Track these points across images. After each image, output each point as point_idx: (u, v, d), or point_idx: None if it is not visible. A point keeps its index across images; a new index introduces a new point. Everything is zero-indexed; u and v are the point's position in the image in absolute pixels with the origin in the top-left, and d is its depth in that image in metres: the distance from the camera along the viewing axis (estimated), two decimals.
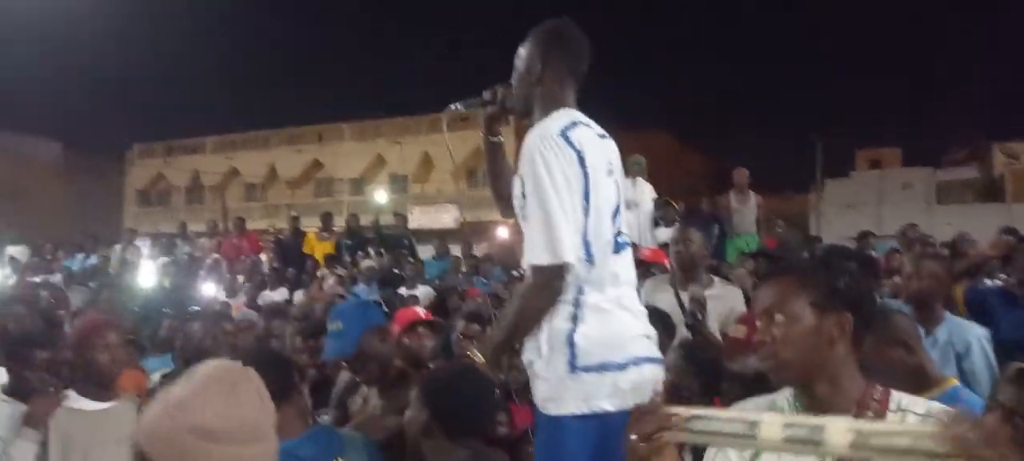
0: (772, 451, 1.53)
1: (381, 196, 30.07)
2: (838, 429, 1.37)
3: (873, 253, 7.88)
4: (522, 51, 2.38)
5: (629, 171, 8.37)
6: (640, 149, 12.72)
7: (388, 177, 32.63)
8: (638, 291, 2.44)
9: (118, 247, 12.22)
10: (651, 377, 2.19)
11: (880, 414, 1.59)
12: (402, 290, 7.85)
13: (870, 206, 20.76)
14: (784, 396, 1.73)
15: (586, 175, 2.16)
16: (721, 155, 27.10)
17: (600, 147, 2.28)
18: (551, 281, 2.14)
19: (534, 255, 2.13)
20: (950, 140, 25.11)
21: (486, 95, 2.50)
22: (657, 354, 2.29)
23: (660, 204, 8.83)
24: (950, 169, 23.48)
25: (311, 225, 12.77)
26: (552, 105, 2.31)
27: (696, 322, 3.59)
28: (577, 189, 2.15)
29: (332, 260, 9.95)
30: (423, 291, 7.97)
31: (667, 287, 3.92)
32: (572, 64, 2.35)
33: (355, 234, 11.42)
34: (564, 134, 2.19)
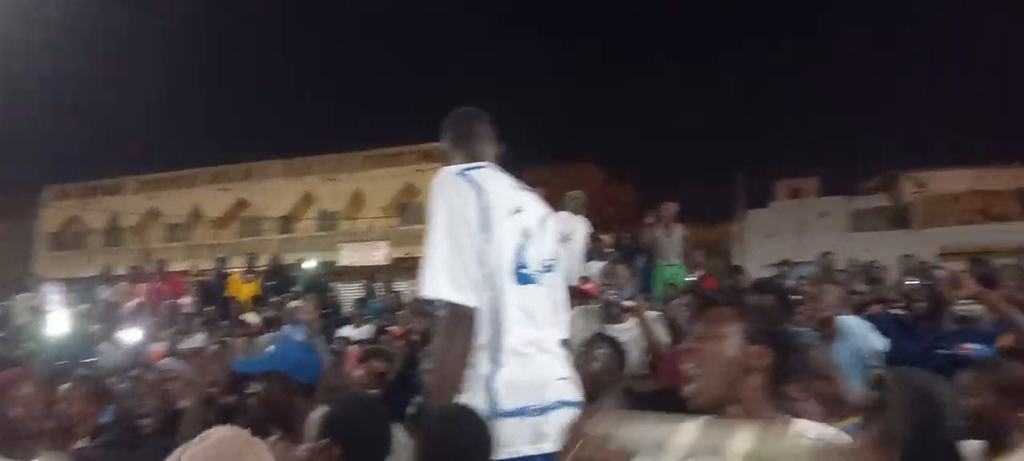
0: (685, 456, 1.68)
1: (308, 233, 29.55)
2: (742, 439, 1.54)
3: (790, 280, 8.21)
4: (442, 135, 2.55)
5: (568, 205, 8.58)
6: (571, 182, 12.88)
7: (317, 214, 32.09)
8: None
9: (24, 295, 11.59)
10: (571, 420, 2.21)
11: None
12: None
13: (790, 234, 21.49)
14: (698, 421, 1.80)
15: (484, 209, 2.18)
16: (650, 187, 27.77)
17: (505, 188, 2.33)
18: (453, 318, 2.15)
19: (429, 288, 2.15)
20: (864, 170, 26.35)
21: None
22: (576, 397, 2.30)
23: (592, 238, 9.01)
24: (864, 197, 24.61)
25: (238, 266, 12.42)
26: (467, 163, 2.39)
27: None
28: (473, 223, 2.17)
29: (257, 301, 9.68)
30: (364, 330, 7.88)
31: (594, 319, 3.98)
32: (477, 134, 2.49)
33: (278, 275, 11.17)
34: (463, 173, 2.24)
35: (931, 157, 24.45)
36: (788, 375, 1.81)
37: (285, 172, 32.75)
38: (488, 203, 2.19)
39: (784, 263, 9.61)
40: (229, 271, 11.56)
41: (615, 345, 3.47)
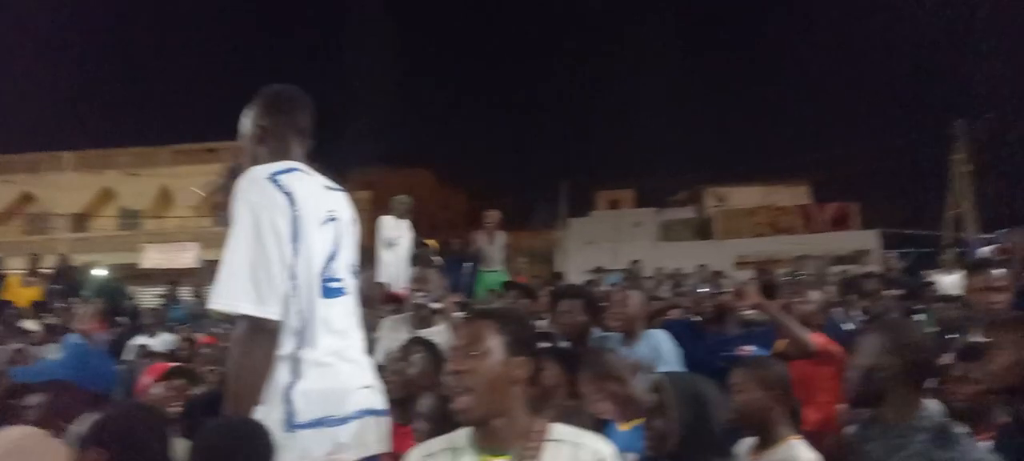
0: None
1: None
2: None
3: (603, 286, 8.66)
4: (246, 117, 2.34)
5: (394, 210, 8.50)
6: (403, 186, 12.73)
7: (118, 212, 29.39)
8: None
9: None
10: (374, 429, 2.17)
11: (541, 445, 1.79)
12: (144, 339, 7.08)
13: (607, 242, 22.69)
14: (462, 434, 1.84)
15: (295, 218, 2.09)
16: (480, 194, 28.18)
17: (317, 193, 2.23)
18: (252, 330, 2.03)
19: (225, 301, 2.02)
20: (674, 184, 28.42)
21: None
22: (379, 406, 2.26)
23: (418, 243, 9.00)
24: (673, 209, 26.57)
25: (18, 267, 11.07)
26: (275, 159, 2.24)
27: None
28: (283, 232, 2.07)
29: (39, 307, 8.67)
30: (164, 339, 7.25)
31: (404, 326, 3.94)
32: (293, 121, 2.33)
33: (65, 277, 10.09)
34: (273, 177, 2.12)
35: (730, 174, 26.80)
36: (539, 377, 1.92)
37: (79, 165, 29.68)
38: (300, 212, 2.09)
39: (598, 270, 10.12)
40: (5, 272, 10.26)
41: (431, 348, 3.46)
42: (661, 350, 3.91)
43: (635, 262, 9.58)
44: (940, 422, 2.27)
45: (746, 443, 2.80)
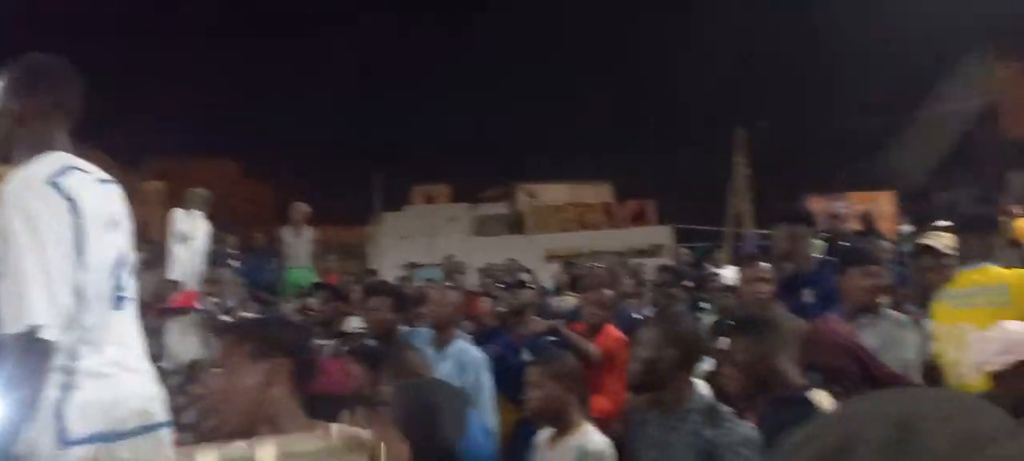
0: None
1: None
2: (266, 450, 1.59)
3: (417, 282, 8.65)
4: None
5: (189, 202, 7.93)
6: (201, 176, 11.90)
7: None
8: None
9: None
10: (156, 444, 2.02)
11: None
12: None
13: (423, 237, 22.69)
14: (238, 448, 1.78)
15: (78, 226, 1.90)
16: (289, 186, 27.05)
17: (100, 195, 2.04)
18: (28, 351, 1.82)
19: (11, 322, 1.81)
20: (487, 179, 29.02)
21: None
22: (163, 418, 2.12)
23: (216, 239, 8.49)
24: (487, 205, 27.11)
25: None
26: (38, 147, 2.01)
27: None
28: (66, 242, 1.87)
29: None
30: None
31: (192, 331, 3.69)
32: (58, 100, 2.08)
33: None
34: (53, 181, 1.90)
35: (542, 171, 27.87)
36: (311, 372, 1.88)
37: None
38: (83, 219, 1.90)
39: (411, 265, 10.09)
40: None
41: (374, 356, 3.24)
42: (467, 378, 3.94)
43: (449, 257, 9.66)
44: (710, 404, 2.51)
45: (543, 434, 2.94)
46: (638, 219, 25.26)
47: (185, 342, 3.52)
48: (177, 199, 8.49)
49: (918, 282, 4.41)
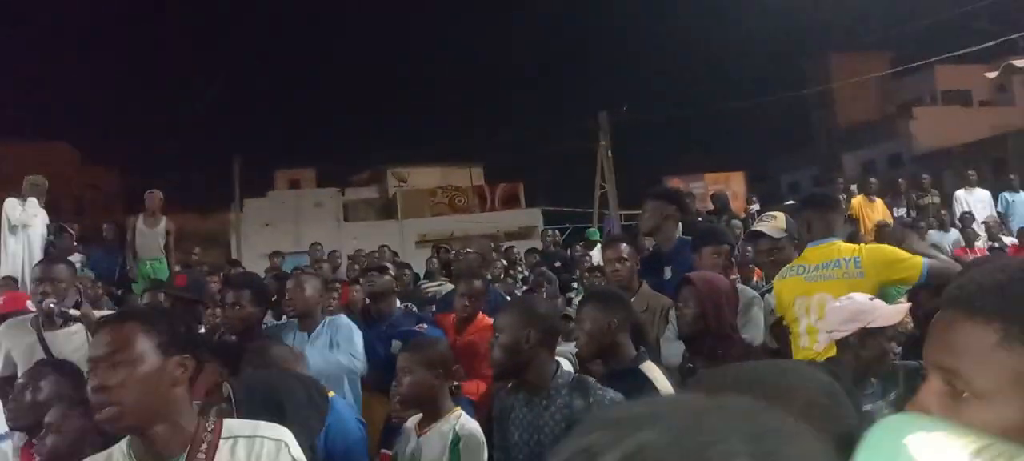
0: None
1: None
2: None
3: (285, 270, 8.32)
4: None
5: (25, 192, 7.30)
6: (36, 163, 10.87)
7: None
8: None
9: None
10: None
11: (214, 444, 1.68)
12: None
13: (288, 223, 21.90)
14: (119, 448, 1.68)
15: None
16: (139, 172, 25.24)
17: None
18: None
19: None
20: (355, 164, 28.36)
21: None
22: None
23: (55, 229, 7.81)
24: (356, 189, 26.51)
25: None
26: None
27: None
28: None
29: None
30: None
31: (29, 329, 3.35)
32: None
33: None
34: None
35: (411, 155, 27.54)
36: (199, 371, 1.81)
37: None
38: None
39: (276, 253, 9.69)
40: None
41: (62, 368, 2.94)
42: (341, 337, 3.86)
43: (314, 244, 9.36)
44: (577, 377, 2.57)
45: (413, 419, 2.91)
46: (509, 202, 25.62)
47: (19, 340, 3.19)
48: (10, 187, 7.74)
49: (757, 262, 4.74)
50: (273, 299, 4.51)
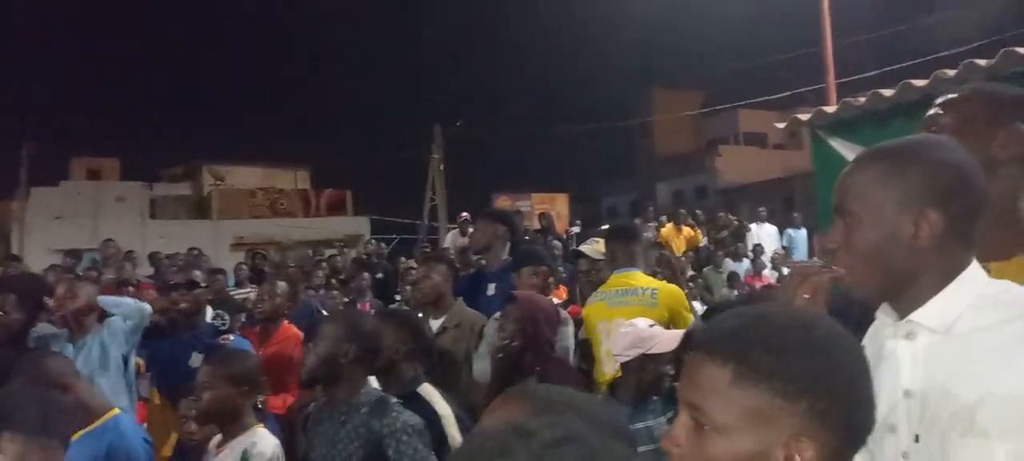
0: None
1: None
2: None
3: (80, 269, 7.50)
4: None
5: None
6: None
7: None
8: None
9: None
10: None
11: None
12: None
13: (86, 217, 19.89)
14: None
15: None
16: None
17: None
18: None
19: None
20: (167, 158, 26.33)
21: None
22: None
23: None
24: (166, 185, 24.59)
25: None
26: None
27: None
28: None
29: None
30: None
31: None
32: None
33: None
34: None
35: (231, 152, 26.00)
36: None
37: None
38: None
39: (72, 252, 8.73)
40: None
41: None
42: (110, 345, 3.52)
43: (108, 241, 8.51)
44: (379, 397, 2.53)
45: (214, 439, 2.73)
46: (335, 208, 24.91)
47: None
48: None
49: (578, 282, 4.95)
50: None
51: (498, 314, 3.23)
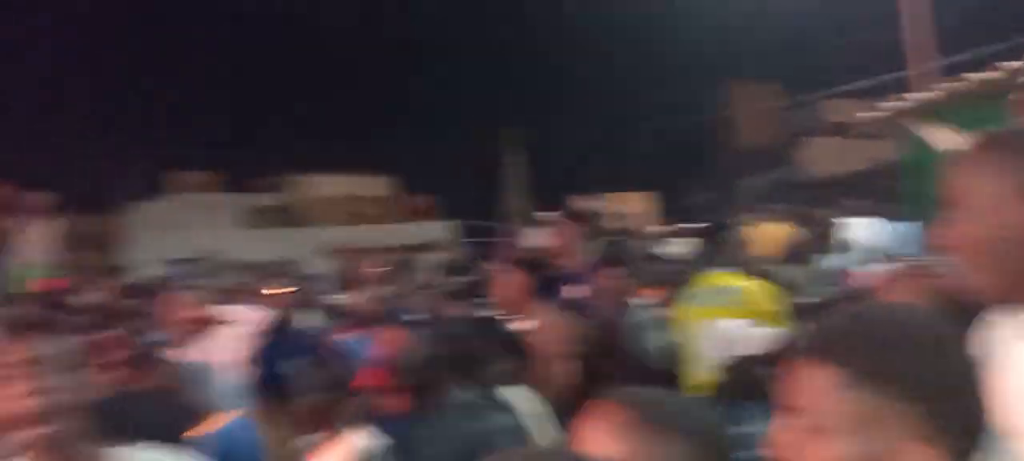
0: None
1: None
2: None
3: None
4: None
5: None
6: None
7: None
8: None
9: None
10: None
11: None
12: None
13: (186, 229, 20.95)
14: None
15: None
16: (14, 172, 23.57)
17: None
18: None
19: None
20: (258, 169, 27.41)
21: None
22: None
23: None
24: (258, 195, 25.67)
25: None
26: None
27: None
28: None
29: None
30: None
31: None
32: None
33: None
34: None
35: (316, 162, 26.89)
36: None
37: None
38: None
39: (182, 261, 9.26)
40: None
41: None
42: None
43: (207, 254, 8.99)
44: (469, 399, 2.59)
45: (313, 440, 2.84)
46: (418, 214, 25.35)
47: None
48: None
49: (663, 282, 4.89)
50: None
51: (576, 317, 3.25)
